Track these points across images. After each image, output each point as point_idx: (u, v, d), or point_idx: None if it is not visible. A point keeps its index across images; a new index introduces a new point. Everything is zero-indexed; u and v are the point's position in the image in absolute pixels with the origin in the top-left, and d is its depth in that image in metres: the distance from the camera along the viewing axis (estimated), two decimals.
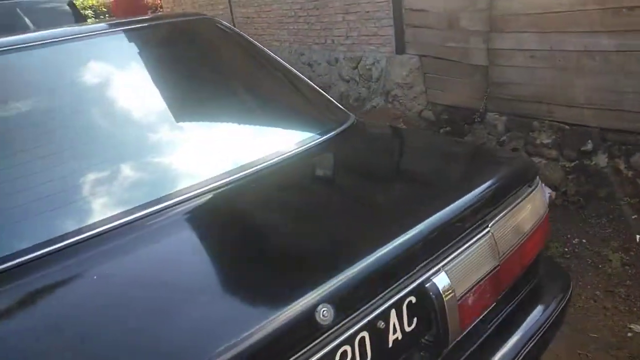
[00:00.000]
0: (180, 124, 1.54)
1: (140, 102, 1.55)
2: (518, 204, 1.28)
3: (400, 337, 1.01)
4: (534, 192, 1.35)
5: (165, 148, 1.43)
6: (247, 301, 0.94)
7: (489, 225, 1.19)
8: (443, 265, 1.08)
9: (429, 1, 4.06)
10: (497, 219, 1.22)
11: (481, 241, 1.17)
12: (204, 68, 1.85)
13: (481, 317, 1.19)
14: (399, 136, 1.78)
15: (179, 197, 1.21)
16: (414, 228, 1.08)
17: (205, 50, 1.94)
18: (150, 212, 1.15)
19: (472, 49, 3.77)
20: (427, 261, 1.07)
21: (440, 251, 1.09)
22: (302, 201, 1.31)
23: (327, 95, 1.88)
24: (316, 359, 0.87)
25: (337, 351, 0.90)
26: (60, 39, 1.59)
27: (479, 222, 1.18)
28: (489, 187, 1.25)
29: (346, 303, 0.91)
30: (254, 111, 1.75)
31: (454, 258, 1.11)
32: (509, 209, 1.25)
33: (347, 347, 0.91)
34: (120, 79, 1.63)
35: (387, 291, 0.99)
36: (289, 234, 1.16)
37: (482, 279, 1.16)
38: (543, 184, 3.19)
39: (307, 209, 1.27)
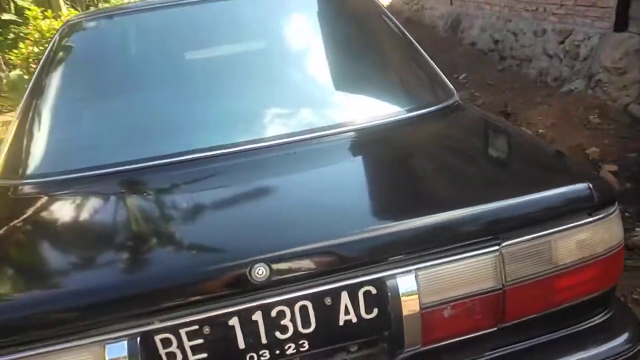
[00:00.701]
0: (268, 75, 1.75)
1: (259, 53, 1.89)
2: (561, 231, 1.08)
3: (355, 321, 1.03)
4: (595, 224, 1.10)
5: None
6: (195, 248, 1.09)
7: (502, 244, 1.05)
8: (418, 268, 1.02)
9: None
10: (516, 240, 1.06)
11: (481, 257, 1.04)
12: (318, 27, 1.99)
13: (466, 338, 1.08)
14: (483, 128, 1.61)
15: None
16: (396, 223, 1.05)
17: (323, 11, 2.04)
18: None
19: None
20: (397, 257, 1.03)
21: (421, 253, 1.03)
22: (321, 171, 1.37)
23: (437, 70, 1.80)
24: (249, 307, 0.98)
25: (273, 308, 0.99)
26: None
27: (488, 237, 1.05)
28: (519, 202, 1.09)
29: (284, 270, 0.99)
30: (350, 74, 1.81)
31: (435, 264, 1.03)
32: (541, 233, 1.07)
33: (285, 308, 1.00)
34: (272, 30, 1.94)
35: (338, 273, 1.01)
36: (279, 197, 1.26)
37: (468, 297, 1.05)
38: None
39: (315, 179, 1.33)
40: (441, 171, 1.33)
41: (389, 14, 2.00)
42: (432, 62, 1.85)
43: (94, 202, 1.37)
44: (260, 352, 1.02)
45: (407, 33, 1.93)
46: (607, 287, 1.19)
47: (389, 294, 1.01)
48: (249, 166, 1.37)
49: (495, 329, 1.10)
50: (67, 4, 8.85)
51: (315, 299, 1.00)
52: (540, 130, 3.60)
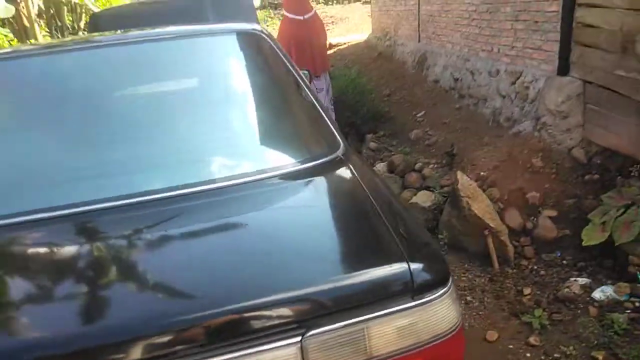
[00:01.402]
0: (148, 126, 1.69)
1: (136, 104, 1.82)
2: (376, 318, 0.98)
3: None
4: (418, 309, 1.01)
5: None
6: None
7: (305, 334, 0.95)
8: None
9: (605, 15, 3.25)
10: (323, 328, 0.96)
11: (280, 351, 0.95)
12: (218, 77, 1.92)
13: None
14: (344, 192, 1.48)
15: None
16: (172, 312, 0.95)
17: (227, 61, 1.98)
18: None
19: None
20: (178, 349, 0.93)
21: (206, 347, 0.94)
22: (111, 246, 1.26)
23: (327, 123, 1.72)
24: None
25: None
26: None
27: (288, 327, 0.96)
28: (327, 286, 1.00)
29: None
30: (233, 125, 1.75)
31: None
32: (353, 320, 0.98)
33: None
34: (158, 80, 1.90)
35: None
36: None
37: None
38: None
39: (101, 259, 1.21)
40: (255, 246, 1.19)
41: (287, 62, 1.95)
42: (324, 115, 1.79)
43: None
44: None
45: (303, 83, 1.88)
46: None
47: None
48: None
49: None
50: (45, 32, 8.89)
51: None
52: (482, 173, 3.56)
